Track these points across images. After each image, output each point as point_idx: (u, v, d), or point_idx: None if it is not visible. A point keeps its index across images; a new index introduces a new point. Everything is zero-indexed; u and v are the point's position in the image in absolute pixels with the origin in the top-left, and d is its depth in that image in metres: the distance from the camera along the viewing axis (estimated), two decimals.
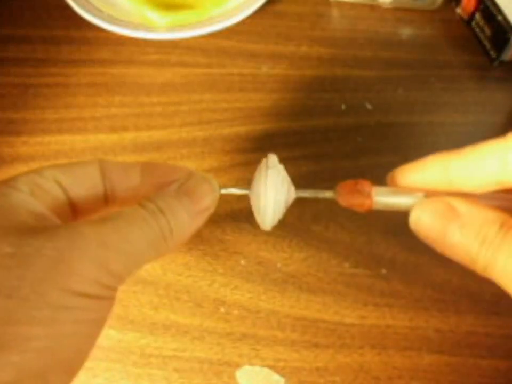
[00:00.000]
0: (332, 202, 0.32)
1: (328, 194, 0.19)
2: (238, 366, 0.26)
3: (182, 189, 0.17)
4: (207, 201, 0.18)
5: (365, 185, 0.17)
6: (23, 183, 0.17)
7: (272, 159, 0.19)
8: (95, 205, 0.19)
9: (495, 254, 0.15)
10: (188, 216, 0.17)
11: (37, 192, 0.17)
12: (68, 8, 0.40)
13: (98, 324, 0.16)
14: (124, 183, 0.19)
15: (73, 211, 0.18)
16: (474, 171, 0.17)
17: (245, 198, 0.32)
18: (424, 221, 0.16)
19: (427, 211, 0.16)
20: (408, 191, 0.18)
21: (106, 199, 0.19)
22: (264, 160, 0.19)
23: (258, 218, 0.19)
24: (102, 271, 0.15)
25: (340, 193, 0.18)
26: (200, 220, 0.18)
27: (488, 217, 0.15)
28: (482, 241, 0.15)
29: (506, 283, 0.15)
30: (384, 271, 0.29)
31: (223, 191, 0.20)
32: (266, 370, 0.26)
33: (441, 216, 0.16)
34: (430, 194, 0.17)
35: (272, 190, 0.18)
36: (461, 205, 0.16)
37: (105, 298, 0.16)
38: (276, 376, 0.26)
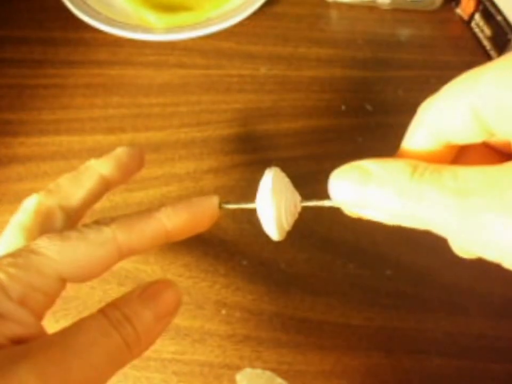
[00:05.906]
0: None
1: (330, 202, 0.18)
2: (238, 368, 0.25)
3: (146, 293, 0.17)
4: (171, 306, 0.17)
5: None
6: (14, 283, 0.15)
7: (276, 171, 0.19)
8: None
9: (415, 203, 0.14)
10: (155, 320, 0.16)
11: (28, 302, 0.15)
12: (65, 9, 0.40)
13: None
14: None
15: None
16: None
17: (247, 197, 0.32)
18: (344, 193, 0.15)
19: (343, 182, 0.15)
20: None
21: None
22: (267, 172, 0.19)
23: (268, 230, 0.19)
24: None
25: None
26: (165, 325, 0.17)
27: (398, 167, 0.14)
28: (400, 193, 0.14)
29: (435, 227, 0.14)
30: (389, 271, 0.28)
31: (228, 206, 0.20)
32: (268, 373, 0.25)
33: (357, 182, 0.15)
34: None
35: (279, 200, 0.18)
36: (371, 165, 0.15)
37: None
38: (279, 380, 0.25)
